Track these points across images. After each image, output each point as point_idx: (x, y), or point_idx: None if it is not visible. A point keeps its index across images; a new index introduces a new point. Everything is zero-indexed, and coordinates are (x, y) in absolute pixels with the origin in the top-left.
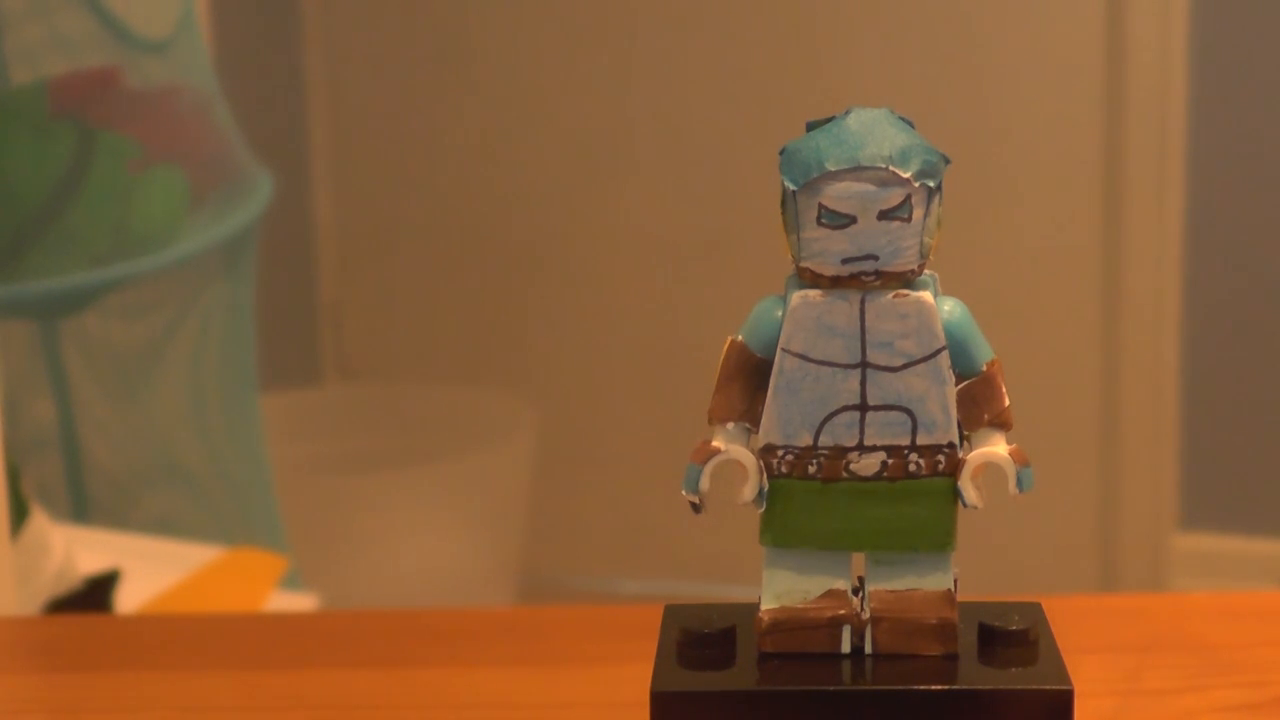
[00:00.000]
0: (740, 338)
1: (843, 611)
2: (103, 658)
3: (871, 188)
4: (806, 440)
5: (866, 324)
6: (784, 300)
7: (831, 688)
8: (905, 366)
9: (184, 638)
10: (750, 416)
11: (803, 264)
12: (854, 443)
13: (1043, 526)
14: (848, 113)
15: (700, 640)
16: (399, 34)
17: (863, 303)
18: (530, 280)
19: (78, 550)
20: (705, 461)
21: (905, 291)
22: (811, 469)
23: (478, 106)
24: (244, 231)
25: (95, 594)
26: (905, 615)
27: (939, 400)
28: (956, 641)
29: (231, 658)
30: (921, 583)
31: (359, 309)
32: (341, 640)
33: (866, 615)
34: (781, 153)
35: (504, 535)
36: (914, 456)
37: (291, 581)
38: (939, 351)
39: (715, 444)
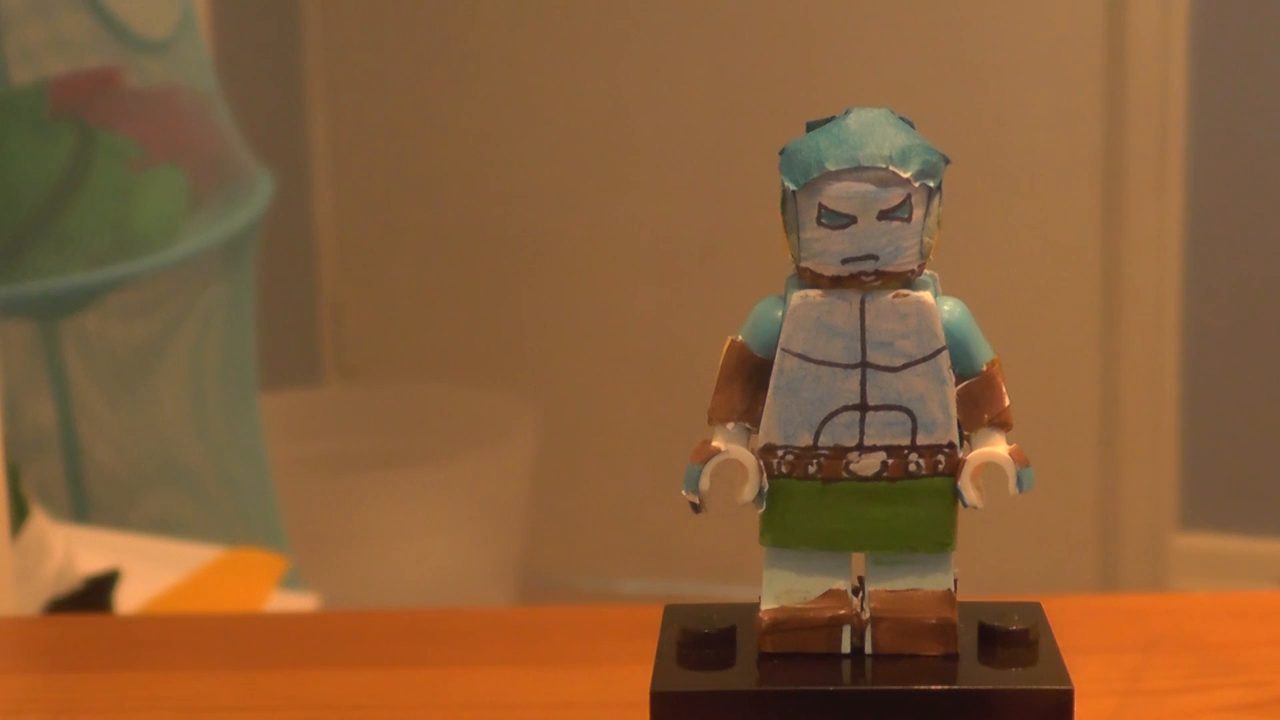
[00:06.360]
0: (740, 338)
1: (843, 611)
2: (103, 658)
3: (871, 188)
4: (806, 440)
5: (866, 324)
6: (784, 300)
7: (831, 688)
8: (905, 366)
9: (184, 638)
10: (750, 416)
11: (803, 264)
12: (854, 443)
13: (1043, 526)
14: (848, 113)
15: (700, 640)
16: (399, 34)
17: (863, 303)
18: (530, 280)
19: (78, 550)
20: (705, 461)
21: (905, 291)
22: (811, 469)
23: (478, 107)
24: (244, 231)
25: (95, 594)
26: (905, 615)
27: (939, 400)
28: (956, 641)
29: (231, 658)
30: (921, 583)
31: (359, 309)
32: (341, 640)
33: (866, 615)
34: (781, 153)
35: (504, 535)
36: (914, 456)
37: (291, 581)
38: (939, 351)
39: (715, 444)
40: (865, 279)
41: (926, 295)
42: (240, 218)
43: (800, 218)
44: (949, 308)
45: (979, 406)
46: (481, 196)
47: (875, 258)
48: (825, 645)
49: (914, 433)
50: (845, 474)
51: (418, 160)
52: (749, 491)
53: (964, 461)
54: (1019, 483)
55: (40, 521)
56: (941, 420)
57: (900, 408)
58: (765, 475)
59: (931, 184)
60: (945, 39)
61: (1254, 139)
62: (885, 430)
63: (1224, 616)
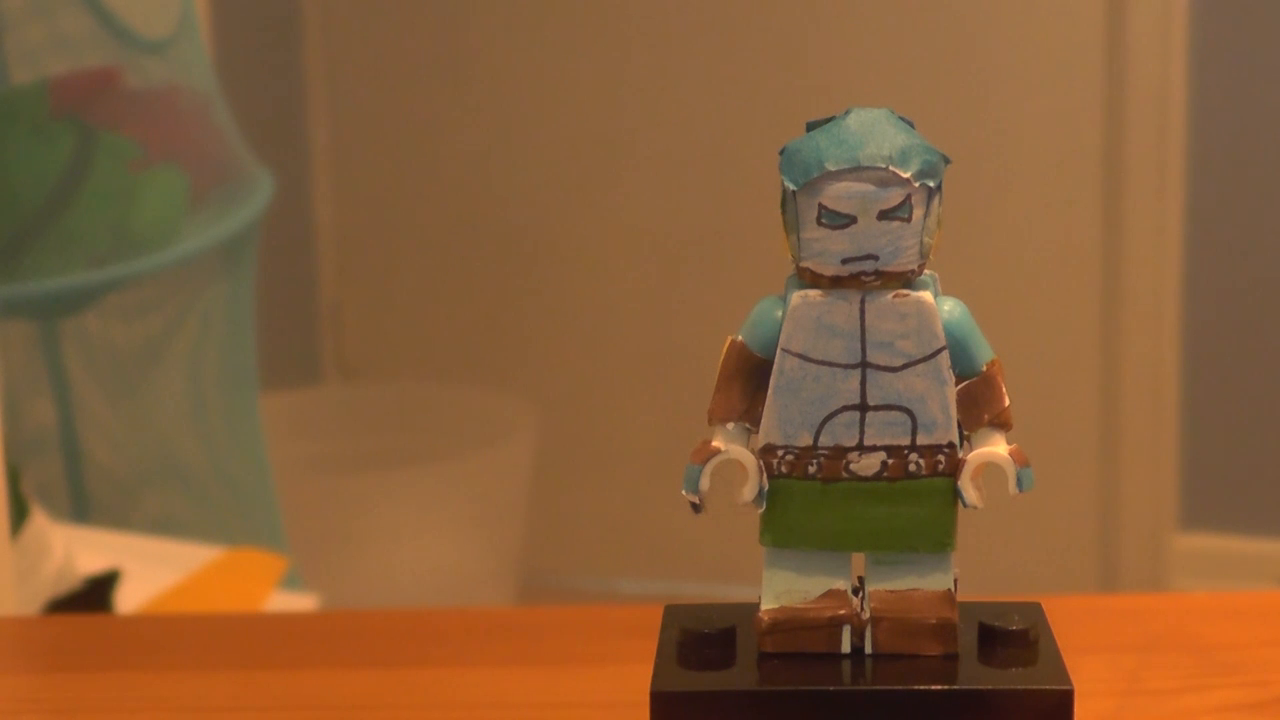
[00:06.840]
0: (740, 338)
1: (843, 611)
2: (103, 658)
3: (871, 188)
4: (806, 440)
5: (866, 324)
6: (784, 300)
7: (831, 688)
8: (905, 366)
9: (184, 638)
10: (750, 416)
11: (803, 264)
12: (854, 443)
13: (1043, 526)
14: (848, 113)
15: (700, 640)
16: (399, 35)
17: (863, 303)
18: (530, 280)
19: (78, 550)
20: (705, 461)
21: (905, 291)
22: (811, 469)
23: (478, 106)
24: (244, 231)
25: (95, 594)
26: (905, 615)
27: (939, 400)
28: (956, 641)
29: (231, 658)
30: (921, 583)
31: (359, 309)
32: (341, 640)
33: (866, 615)
34: (781, 153)
35: (504, 535)
36: (914, 456)
37: (291, 581)
38: (939, 351)
39: (715, 444)
40: (865, 279)
41: (926, 295)
42: (240, 218)
43: (800, 218)
44: (949, 308)
45: (979, 406)
46: (481, 196)
47: (875, 258)
48: (825, 645)
49: (914, 433)
50: (845, 474)
51: (418, 160)
52: (749, 491)
53: (964, 461)
54: (1019, 483)
55: (40, 521)
56: (941, 420)
57: (900, 408)
58: (765, 475)
59: (931, 184)
60: (945, 39)
61: (1254, 139)
62: (885, 430)
63: (1224, 616)
